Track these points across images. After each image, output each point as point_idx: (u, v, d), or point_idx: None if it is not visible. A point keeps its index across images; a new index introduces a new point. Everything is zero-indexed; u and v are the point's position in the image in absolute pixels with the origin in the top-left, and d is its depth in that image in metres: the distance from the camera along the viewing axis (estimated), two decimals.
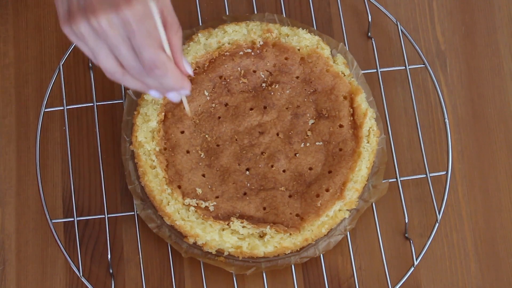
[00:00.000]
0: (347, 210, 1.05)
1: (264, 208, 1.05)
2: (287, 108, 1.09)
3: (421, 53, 1.12)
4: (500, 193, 1.11)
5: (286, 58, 1.09)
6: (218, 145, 1.07)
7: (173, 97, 0.91)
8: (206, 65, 1.09)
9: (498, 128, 1.13)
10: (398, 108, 1.13)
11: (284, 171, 1.06)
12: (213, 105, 1.09)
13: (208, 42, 1.09)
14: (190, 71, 0.90)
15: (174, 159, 1.06)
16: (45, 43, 1.16)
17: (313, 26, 1.14)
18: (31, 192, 1.10)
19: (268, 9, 1.16)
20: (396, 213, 1.09)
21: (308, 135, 1.07)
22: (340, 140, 1.07)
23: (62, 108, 1.11)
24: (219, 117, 1.08)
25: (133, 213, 1.08)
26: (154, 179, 1.05)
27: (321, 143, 1.07)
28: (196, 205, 1.04)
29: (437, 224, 1.06)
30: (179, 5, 1.16)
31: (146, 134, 1.06)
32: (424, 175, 1.08)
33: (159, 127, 1.06)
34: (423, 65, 1.12)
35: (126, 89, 1.11)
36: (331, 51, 1.11)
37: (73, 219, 1.08)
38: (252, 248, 1.03)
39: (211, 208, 1.04)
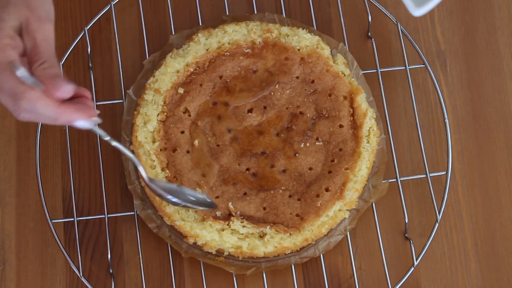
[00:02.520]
0: (347, 210, 1.05)
1: (264, 208, 1.05)
2: (287, 108, 1.09)
3: (421, 53, 1.12)
4: (500, 193, 1.11)
5: (286, 58, 1.09)
6: (218, 145, 1.07)
7: (83, 125, 0.86)
8: (206, 65, 1.09)
9: (498, 128, 1.13)
10: (398, 108, 1.13)
11: (284, 171, 1.06)
12: (213, 105, 1.09)
13: (208, 42, 1.09)
14: (67, 91, 0.83)
15: (174, 159, 1.06)
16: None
17: (313, 26, 1.14)
18: (31, 192, 1.10)
19: (268, 9, 1.16)
20: (396, 213, 1.09)
21: (308, 135, 1.07)
22: (340, 140, 1.07)
23: None
24: (219, 117, 1.08)
25: (133, 213, 1.08)
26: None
27: (321, 143, 1.07)
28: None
29: (437, 224, 1.06)
30: (179, 5, 1.16)
31: (146, 134, 1.06)
32: (424, 175, 1.08)
33: (159, 127, 1.06)
34: (423, 65, 1.12)
35: (126, 89, 1.11)
36: (331, 51, 1.11)
37: (73, 219, 1.08)
38: (252, 248, 1.03)
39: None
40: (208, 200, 1.02)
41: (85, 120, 0.85)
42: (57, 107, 0.83)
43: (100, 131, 0.88)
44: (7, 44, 0.84)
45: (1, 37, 0.84)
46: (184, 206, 1.01)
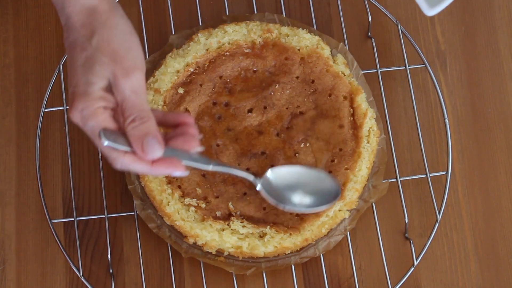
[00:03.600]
0: (347, 210, 1.05)
1: (264, 208, 1.05)
2: (287, 108, 1.09)
3: (421, 53, 1.12)
4: (500, 193, 1.11)
5: (286, 58, 1.09)
6: (218, 145, 1.07)
7: (178, 174, 0.89)
8: (206, 65, 1.09)
9: (498, 128, 1.13)
10: (398, 108, 1.13)
11: None
12: (213, 105, 1.09)
13: (208, 42, 1.09)
14: (156, 154, 0.86)
15: None
16: (45, 43, 1.16)
17: (313, 26, 1.14)
18: (31, 192, 1.10)
19: (268, 9, 1.16)
20: (396, 213, 1.09)
21: (308, 135, 1.07)
22: (340, 140, 1.07)
23: (62, 108, 1.11)
24: (219, 117, 1.08)
25: (133, 213, 1.08)
26: (154, 179, 1.05)
27: (321, 143, 1.07)
28: (196, 205, 1.04)
29: (437, 224, 1.06)
30: (179, 5, 1.16)
31: None
32: (424, 175, 1.08)
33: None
34: (423, 65, 1.12)
35: None
36: (331, 51, 1.11)
37: (73, 219, 1.08)
38: (252, 248, 1.03)
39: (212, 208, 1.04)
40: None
41: (179, 171, 0.88)
42: (149, 166, 0.87)
43: (200, 166, 0.90)
44: (97, 108, 0.85)
45: (91, 103, 0.84)
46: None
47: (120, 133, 0.86)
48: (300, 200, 1.00)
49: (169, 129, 0.91)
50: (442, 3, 0.94)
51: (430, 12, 0.95)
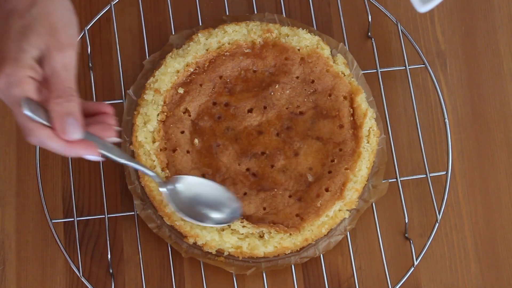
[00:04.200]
0: (347, 210, 1.05)
1: (264, 208, 1.05)
2: (287, 108, 1.09)
3: (421, 53, 1.12)
4: (500, 193, 1.11)
5: (286, 58, 1.09)
6: (218, 145, 1.07)
7: (92, 158, 0.88)
8: (206, 65, 1.09)
9: (498, 128, 1.13)
10: (398, 108, 1.13)
11: (284, 171, 1.06)
12: (213, 105, 1.09)
13: (208, 42, 1.09)
14: (75, 136, 0.85)
15: (174, 159, 1.06)
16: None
17: (313, 26, 1.14)
18: (31, 192, 1.10)
19: (268, 9, 1.16)
20: (396, 213, 1.09)
21: (308, 135, 1.07)
22: (340, 140, 1.07)
23: None
24: (219, 117, 1.08)
25: (133, 213, 1.08)
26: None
27: (321, 143, 1.07)
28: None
29: (437, 224, 1.06)
30: (179, 5, 1.16)
31: (146, 134, 1.06)
32: (424, 175, 1.08)
33: (159, 127, 1.06)
34: (423, 65, 1.12)
35: (126, 89, 1.11)
36: (331, 51, 1.11)
37: (73, 219, 1.08)
38: (252, 248, 1.03)
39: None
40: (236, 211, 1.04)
41: (93, 155, 0.87)
42: (65, 145, 0.85)
43: (113, 157, 0.91)
44: (25, 76, 0.84)
45: (20, 70, 0.83)
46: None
47: (42, 107, 0.85)
48: (205, 214, 1.03)
49: (89, 117, 0.90)
50: (434, 0, 0.94)
51: (422, 8, 0.95)
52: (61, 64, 0.85)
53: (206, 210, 1.02)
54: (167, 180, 1.03)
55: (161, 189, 1.01)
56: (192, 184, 1.03)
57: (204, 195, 1.03)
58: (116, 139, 0.90)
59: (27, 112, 0.83)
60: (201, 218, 1.02)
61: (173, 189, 1.02)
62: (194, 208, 1.02)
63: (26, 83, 0.84)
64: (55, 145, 0.85)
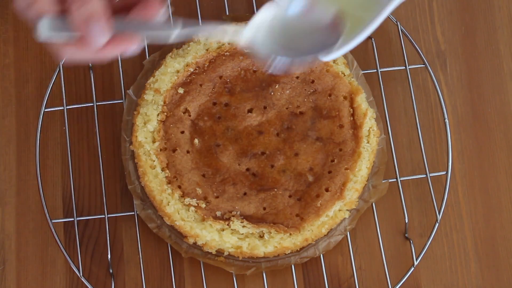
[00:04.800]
0: (347, 210, 1.05)
1: (264, 208, 1.05)
2: (287, 108, 1.09)
3: (421, 53, 1.12)
4: (500, 193, 1.11)
5: None
6: (218, 145, 1.07)
7: (131, 52, 0.79)
8: (206, 65, 1.09)
9: (498, 128, 1.13)
10: (398, 108, 1.13)
11: (284, 171, 1.06)
12: (213, 105, 1.09)
13: (208, 42, 1.09)
14: (101, 40, 0.77)
15: (174, 159, 1.06)
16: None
17: None
18: (31, 192, 1.10)
19: None
20: (396, 213, 1.09)
21: (308, 135, 1.07)
22: (340, 140, 1.07)
23: (62, 108, 1.11)
24: (219, 117, 1.08)
25: (133, 213, 1.08)
26: (154, 179, 1.05)
27: (321, 143, 1.07)
28: (196, 205, 1.04)
29: (437, 224, 1.06)
30: (179, 5, 1.16)
31: (146, 134, 1.06)
32: (424, 175, 1.08)
33: (159, 127, 1.06)
34: (423, 65, 1.12)
35: (126, 89, 1.11)
36: None
37: (73, 219, 1.08)
38: (252, 248, 1.03)
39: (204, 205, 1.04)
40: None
41: (130, 48, 0.79)
42: (97, 52, 0.79)
43: (158, 32, 0.78)
44: None
45: None
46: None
47: (65, 18, 0.78)
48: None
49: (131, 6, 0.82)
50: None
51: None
52: None
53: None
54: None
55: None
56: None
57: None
58: (165, 15, 0.79)
59: (44, 37, 0.78)
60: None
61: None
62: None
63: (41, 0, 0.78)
64: (87, 56, 0.80)
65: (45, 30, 0.78)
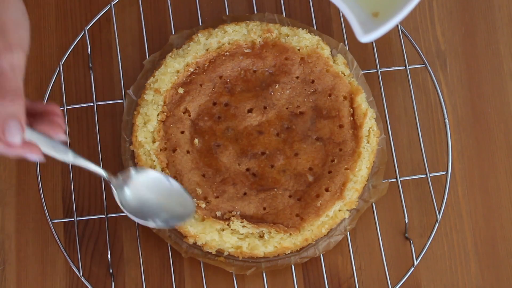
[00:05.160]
0: (347, 210, 1.05)
1: (264, 208, 1.05)
2: (287, 108, 1.09)
3: (421, 53, 1.12)
4: (500, 193, 1.11)
5: (286, 58, 1.09)
6: (218, 145, 1.07)
7: (33, 159, 0.88)
8: (206, 65, 1.09)
9: (498, 128, 1.13)
10: (398, 108, 1.13)
11: (284, 171, 1.06)
12: (213, 105, 1.09)
13: (208, 42, 1.09)
14: (15, 140, 0.84)
15: (174, 159, 1.06)
16: (45, 43, 1.16)
17: (313, 26, 1.14)
18: (31, 192, 1.10)
19: (268, 9, 1.16)
20: (396, 213, 1.09)
21: (308, 135, 1.07)
22: (340, 140, 1.07)
23: (62, 108, 1.11)
24: (219, 117, 1.08)
25: None
26: None
27: (321, 143, 1.07)
28: (196, 205, 1.04)
29: (437, 224, 1.06)
30: (179, 5, 1.16)
31: (146, 134, 1.06)
32: (424, 175, 1.08)
33: (159, 127, 1.06)
34: (423, 65, 1.12)
35: (126, 89, 1.11)
36: (331, 51, 1.11)
37: (73, 219, 1.08)
38: (252, 248, 1.03)
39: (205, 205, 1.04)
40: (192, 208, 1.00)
41: (34, 156, 0.87)
42: (5, 146, 0.85)
43: (55, 153, 0.90)
44: None
45: None
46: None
47: None
48: (156, 214, 0.99)
49: (36, 118, 0.89)
50: (377, 31, 0.93)
51: (364, 38, 0.93)
52: (9, 64, 0.83)
53: (154, 211, 0.99)
54: (117, 177, 0.98)
55: (112, 186, 0.97)
56: (142, 185, 0.99)
57: (153, 197, 0.99)
58: (63, 137, 0.89)
59: None
60: (147, 218, 0.98)
61: (121, 189, 0.98)
62: (142, 209, 0.98)
63: None
64: None
65: None
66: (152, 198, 0.99)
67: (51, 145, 0.89)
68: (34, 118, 0.89)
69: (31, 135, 0.87)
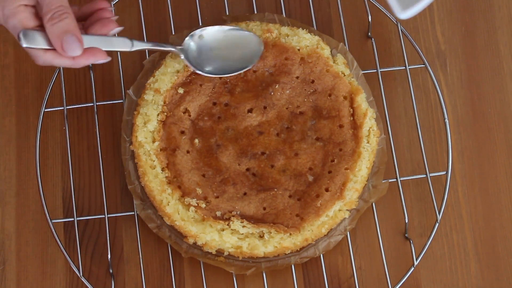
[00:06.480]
0: (347, 210, 1.05)
1: (264, 208, 1.05)
2: (287, 108, 1.09)
3: (421, 53, 1.12)
4: (500, 193, 1.11)
5: (286, 58, 1.09)
6: (218, 145, 1.07)
7: (102, 61, 0.93)
8: None
9: (498, 128, 1.13)
10: (398, 108, 1.13)
11: (284, 171, 1.06)
12: (213, 105, 1.09)
13: None
14: (75, 52, 0.89)
15: (174, 159, 1.06)
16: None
17: (313, 26, 1.14)
18: (31, 192, 1.10)
19: (268, 9, 1.16)
20: (396, 213, 1.09)
21: (308, 135, 1.07)
22: (340, 140, 1.07)
23: (62, 108, 1.11)
24: (219, 117, 1.08)
25: (133, 213, 1.08)
26: (154, 179, 1.05)
27: (321, 143, 1.07)
28: (196, 205, 1.04)
29: (437, 224, 1.06)
30: (179, 5, 1.16)
31: (146, 134, 1.06)
32: (424, 175, 1.08)
33: (159, 127, 1.06)
34: (423, 65, 1.12)
35: (126, 89, 1.11)
36: (331, 51, 1.11)
37: (73, 219, 1.08)
38: (252, 248, 1.03)
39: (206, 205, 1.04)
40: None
41: (100, 60, 0.93)
42: (70, 60, 0.90)
43: (118, 47, 0.96)
44: (19, 6, 0.87)
45: (12, 1, 0.87)
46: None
47: (41, 31, 0.89)
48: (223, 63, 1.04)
49: (88, 20, 0.94)
50: (415, 6, 0.94)
51: (403, 15, 0.95)
52: None
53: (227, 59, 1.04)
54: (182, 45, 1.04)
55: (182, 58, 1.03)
56: (208, 38, 1.05)
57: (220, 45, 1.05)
58: (118, 29, 0.94)
59: (25, 45, 0.88)
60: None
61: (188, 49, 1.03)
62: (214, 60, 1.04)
63: (21, 12, 0.87)
64: (62, 62, 0.89)
65: (25, 41, 0.89)
66: (218, 51, 1.05)
67: (110, 42, 0.93)
68: (86, 21, 0.93)
69: (89, 41, 0.91)
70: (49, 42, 0.88)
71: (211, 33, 1.05)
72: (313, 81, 1.09)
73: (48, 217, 1.07)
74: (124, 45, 0.97)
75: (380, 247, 1.06)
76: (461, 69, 1.15)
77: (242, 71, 1.07)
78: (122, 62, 1.13)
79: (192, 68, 1.05)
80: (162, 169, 1.05)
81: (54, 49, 0.89)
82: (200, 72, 1.05)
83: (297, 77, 1.09)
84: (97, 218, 1.09)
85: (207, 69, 1.05)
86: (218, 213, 1.04)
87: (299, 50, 1.10)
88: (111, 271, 1.06)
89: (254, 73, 1.09)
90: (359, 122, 1.07)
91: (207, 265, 1.06)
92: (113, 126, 1.12)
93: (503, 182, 1.11)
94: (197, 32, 1.05)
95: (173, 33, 1.14)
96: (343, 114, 1.07)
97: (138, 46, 0.98)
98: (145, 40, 1.08)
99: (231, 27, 1.06)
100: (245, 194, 1.05)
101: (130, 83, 1.12)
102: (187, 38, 1.04)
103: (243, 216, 1.04)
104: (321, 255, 1.06)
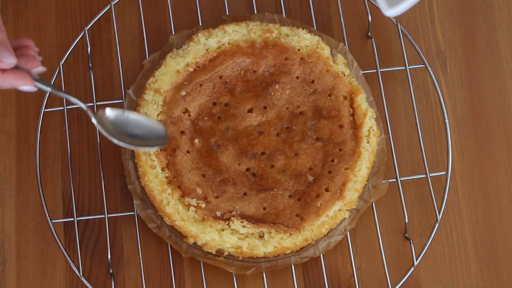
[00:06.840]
0: (347, 210, 1.05)
1: (264, 208, 1.05)
2: (287, 108, 1.09)
3: (421, 53, 1.12)
4: (500, 193, 1.11)
5: (286, 58, 1.09)
6: (218, 145, 1.07)
7: (26, 89, 0.92)
8: (206, 65, 1.09)
9: (498, 128, 1.13)
10: (398, 108, 1.13)
11: (284, 171, 1.06)
12: (213, 105, 1.09)
13: (208, 42, 1.09)
14: (10, 61, 0.89)
15: (174, 159, 1.06)
16: (45, 43, 1.16)
17: (313, 26, 1.14)
18: (31, 192, 1.10)
19: (268, 9, 1.16)
20: (396, 213, 1.09)
21: (308, 135, 1.07)
22: (340, 140, 1.07)
23: (62, 108, 1.11)
24: (219, 117, 1.08)
25: (133, 213, 1.08)
26: (154, 179, 1.05)
27: (321, 143, 1.07)
28: (196, 205, 1.04)
29: (437, 224, 1.06)
30: (179, 5, 1.16)
31: None
32: (424, 175, 1.08)
33: None
34: (423, 65, 1.12)
35: (126, 89, 1.11)
36: (331, 51, 1.11)
37: (73, 219, 1.08)
38: (252, 248, 1.03)
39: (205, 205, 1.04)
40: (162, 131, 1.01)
41: (26, 86, 0.91)
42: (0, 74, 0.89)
43: (41, 86, 0.93)
44: None
45: None
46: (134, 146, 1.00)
47: None
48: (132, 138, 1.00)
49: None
50: (402, 4, 0.94)
51: (389, 12, 0.96)
52: None
53: (134, 133, 1.01)
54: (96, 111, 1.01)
55: (92, 120, 0.98)
56: (119, 114, 1.01)
57: (131, 123, 1.01)
58: (41, 69, 0.92)
59: None
60: (130, 141, 1.00)
61: (101, 117, 0.99)
62: (123, 133, 1.00)
63: None
64: None
65: None
66: (128, 130, 1.01)
67: (33, 77, 0.92)
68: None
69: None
70: None
71: (114, 114, 1.01)
72: (313, 81, 1.09)
73: (48, 217, 1.07)
74: (45, 85, 0.93)
75: (380, 247, 1.06)
76: (461, 69, 1.15)
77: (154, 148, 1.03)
78: (122, 62, 1.13)
79: (105, 134, 0.99)
80: (162, 169, 1.05)
81: None
82: (114, 140, 0.99)
83: (297, 77, 1.09)
84: (97, 218, 1.09)
85: (117, 139, 1.00)
86: (218, 213, 1.04)
87: (299, 50, 1.10)
88: (111, 271, 1.06)
89: (254, 73, 1.09)
90: (359, 122, 1.07)
91: (207, 265, 1.06)
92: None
93: (503, 182, 1.11)
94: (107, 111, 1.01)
95: (173, 33, 1.14)
96: (343, 114, 1.07)
97: (55, 91, 0.95)
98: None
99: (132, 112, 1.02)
100: (245, 194, 1.05)
101: (130, 83, 1.12)
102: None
103: (243, 216, 1.04)
104: (321, 255, 1.06)
